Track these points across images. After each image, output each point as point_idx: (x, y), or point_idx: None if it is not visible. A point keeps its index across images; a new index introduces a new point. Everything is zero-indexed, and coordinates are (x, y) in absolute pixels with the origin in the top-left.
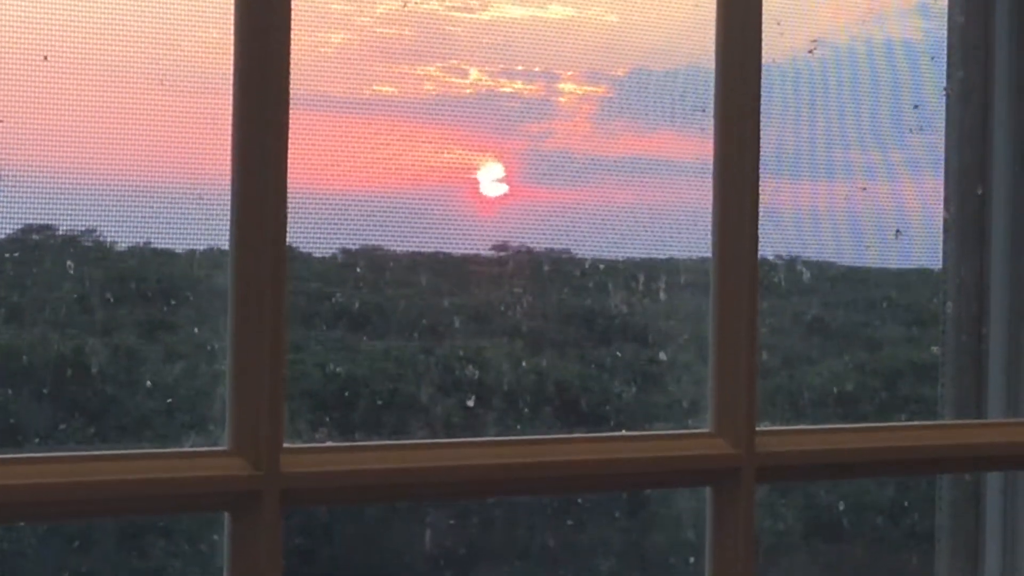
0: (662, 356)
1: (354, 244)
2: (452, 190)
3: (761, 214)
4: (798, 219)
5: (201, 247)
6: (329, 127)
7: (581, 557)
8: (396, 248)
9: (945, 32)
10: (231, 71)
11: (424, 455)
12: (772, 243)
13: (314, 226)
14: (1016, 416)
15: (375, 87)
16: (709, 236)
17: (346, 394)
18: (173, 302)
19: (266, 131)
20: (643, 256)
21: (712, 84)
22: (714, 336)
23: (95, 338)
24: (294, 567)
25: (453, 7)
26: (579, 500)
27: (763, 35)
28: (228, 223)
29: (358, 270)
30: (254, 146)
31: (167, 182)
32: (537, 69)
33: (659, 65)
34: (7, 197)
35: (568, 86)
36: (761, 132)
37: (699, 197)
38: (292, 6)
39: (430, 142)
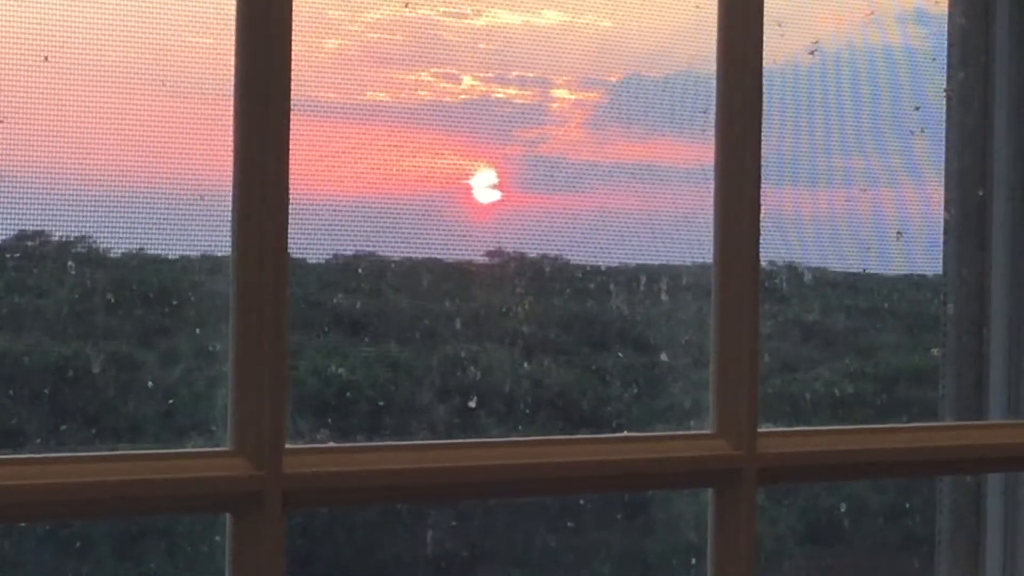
0: (659, 360)
1: (348, 250)
2: (446, 196)
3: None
4: (798, 224)
5: (199, 252)
6: (323, 133)
7: (581, 559)
8: (390, 254)
9: (945, 34)
10: (230, 76)
11: (426, 456)
12: (771, 248)
13: (308, 232)
14: (1017, 418)
15: (369, 93)
16: (704, 241)
17: (341, 400)
18: (175, 302)
19: (267, 137)
20: (637, 262)
21: (704, 90)
22: (716, 337)
23: (97, 340)
24: (296, 569)
25: (447, 13)
26: (580, 501)
27: (764, 39)
28: (226, 227)
29: (352, 276)
30: (255, 150)
31: (164, 187)
32: (531, 75)
33: (653, 71)
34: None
35: (562, 92)
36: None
37: (693, 202)
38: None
39: (424, 148)
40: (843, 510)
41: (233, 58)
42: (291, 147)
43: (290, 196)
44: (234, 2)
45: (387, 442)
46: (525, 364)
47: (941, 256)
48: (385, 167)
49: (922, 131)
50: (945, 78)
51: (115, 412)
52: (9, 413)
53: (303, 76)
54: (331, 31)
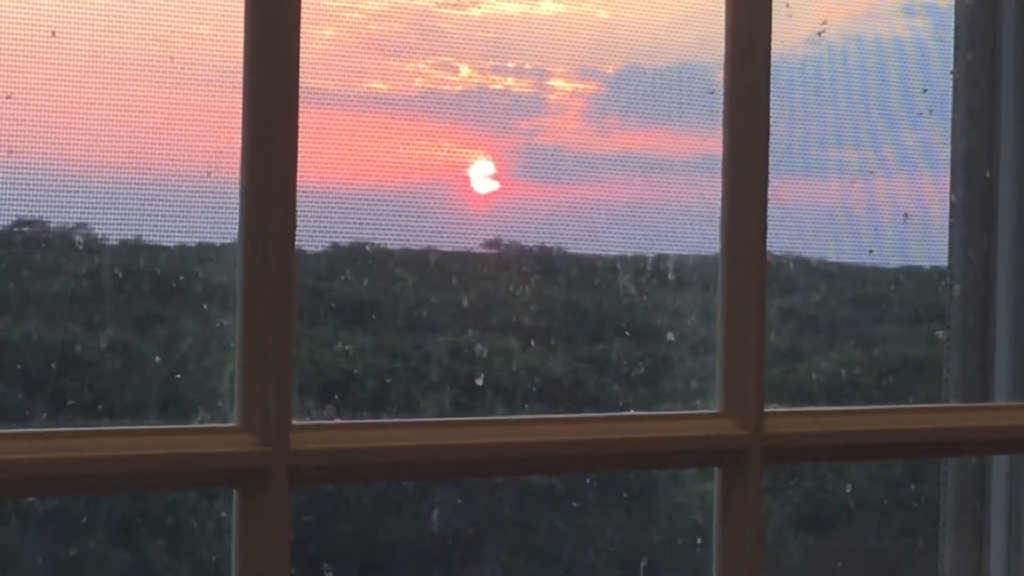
0: (660, 349)
1: (345, 239)
2: (443, 186)
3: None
4: (803, 213)
5: (200, 240)
6: (320, 123)
7: (587, 539)
8: (387, 244)
9: (952, 18)
10: (235, 65)
11: (433, 433)
12: (776, 239)
13: (306, 221)
14: (1022, 400)
15: (366, 83)
16: (702, 232)
17: (340, 388)
18: (182, 277)
19: (275, 125)
20: (634, 252)
21: (702, 80)
22: (723, 317)
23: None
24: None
25: (445, 3)
26: (587, 480)
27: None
28: (229, 215)
29: (350, 265)
30: (263, 138)
31: (166, 175)
32: (528, 66)
33: (650, 62)
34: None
35: (559, 83)
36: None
37: (692, 192)
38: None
39: (421, 138)
40: (848, 491)
41: (241, 47)
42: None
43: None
44: None
45: (394, 419)
46: (524, 353)
47: (947, 244)
48: (383, 157)
49: (931, 112)
50: (952, 60)
51: (120, 390)
52: (14, 392)
53: (302, 65)
54: (329, 20)
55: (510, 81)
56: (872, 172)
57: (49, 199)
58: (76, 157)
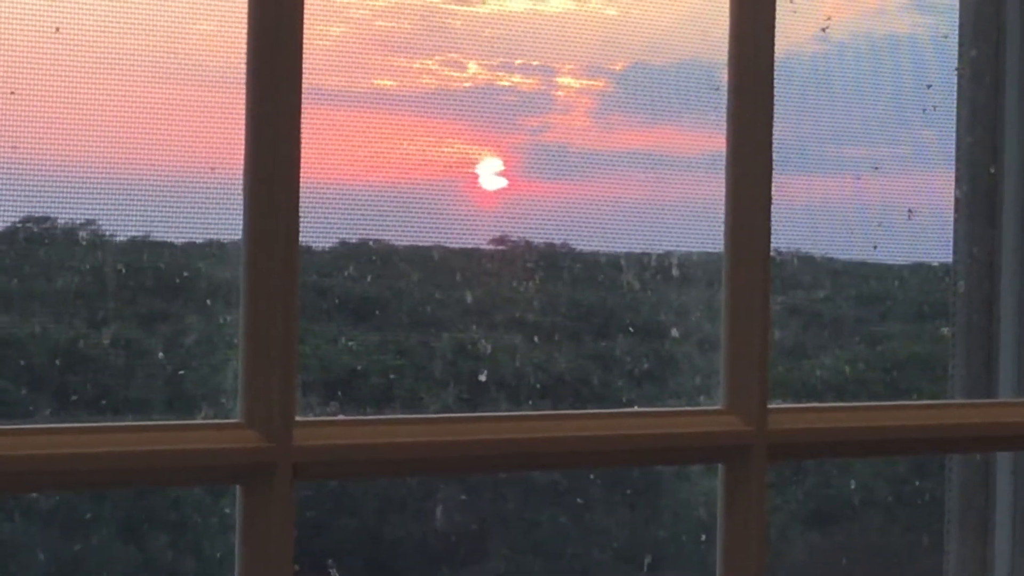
0: (666, 346)
1: (353, 237)
2: (451, 183)
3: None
4: (808, 210)
5: (207, 237)
6: (328, 120)
7: (593, 534)
8: (395, 241)
9: (956, 14)
10: (239, 64)
11: (437, 429)
12: (782, 235)
13: (313, 218)
14: None
15: (373, 80)
16: (711, 228)
17: (347, 386)
18: (186, 273)
19: (278, 123)
20: (642, 249)
21: (709, 77)
22: (727, 314)
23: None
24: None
25: (452, 1)
26: (591, 476)
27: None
28: (234, 212)
29: (358, 262)
30: (267, 136)
31: (171, 174)
32: (536, 63)
33: (657, 59)
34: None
35: (567, 80)
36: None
37: (699, 190)
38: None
39: (429, 136)
40: (853, 487)
41: (244, 45)
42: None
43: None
44: None
45: (397, 415)
46: (532, 350)
47: (951, 240)
48: (390, 154)
49: (934, 108)
50: (956, 56)
51: (125, 386)
52: (18, 388)
53: (309, 63)
54: (337, 17)
55: (517, 78)
56: (876, 168)
57: (55, 196)
58: (80, 153)
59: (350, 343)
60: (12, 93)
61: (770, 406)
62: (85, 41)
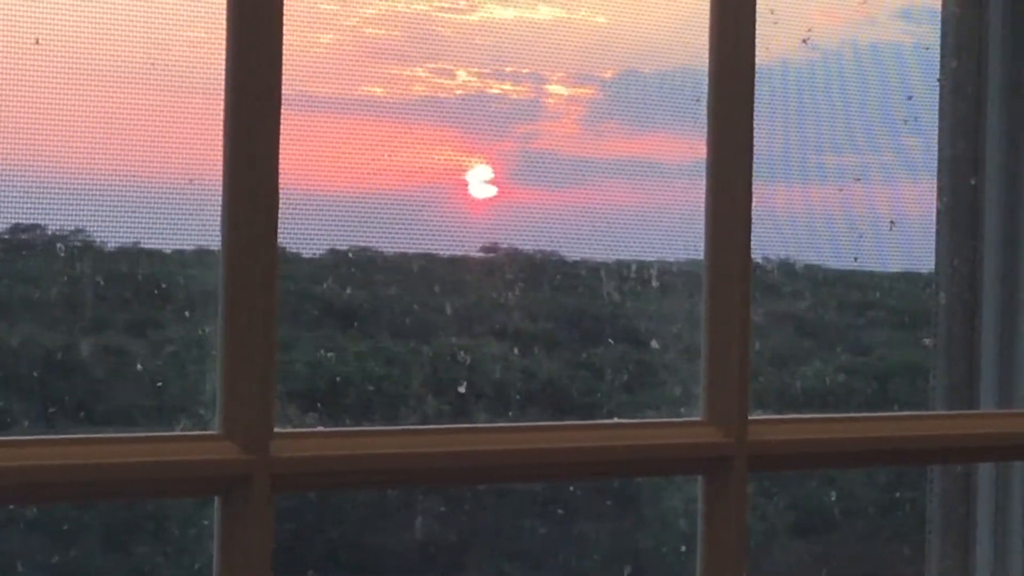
0: (650, 354)
1: (343, 244)
2: (441, 191)
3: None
4: (789, 220)
5: (193, 245)
6: (317, 128)
7: (572, 547)
8: (385, 249)
9: (939, 24)
10: (222, 70)
11: (415, 441)
12: (762, 245)
13: (303, 226)
14: (1008, 407)
15: (363, 88)
16: (698, 237)
17: (334, 393)
18: (164, 285)
19: (257, 130)
20: (632, 257)
21: (699, 85)
22: (707, 324)
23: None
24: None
25: (441, 8)
26: (571, 488)
27: (757, 30)
28: (217, 221)
29: (347, 270)
30: (246, 145)
31: (156, 181)
32: (526, 71)
33: (647, 67)
34: None
35: (556, 88)
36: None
37: (688, 198)
38: (283, 7)
39: (419, 143)
40: (834, 499)
41: (224, 53)
42: (286, 141)
43: (285, 190)
44: None
45: (376, 427)
46: (519, 358)
47: (933, 253)
48: (380, 162)
49: (915, 119)
50: (938, 67)
51: (105, 397)
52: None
53: (298, 70)
54: (326, 25)
55: (507, 86)
56: (859, 179)
57: (34, 204)
58: (59, 164)
59: (337, 352)
60: None
61: (751, 417)
62: (65, 52)
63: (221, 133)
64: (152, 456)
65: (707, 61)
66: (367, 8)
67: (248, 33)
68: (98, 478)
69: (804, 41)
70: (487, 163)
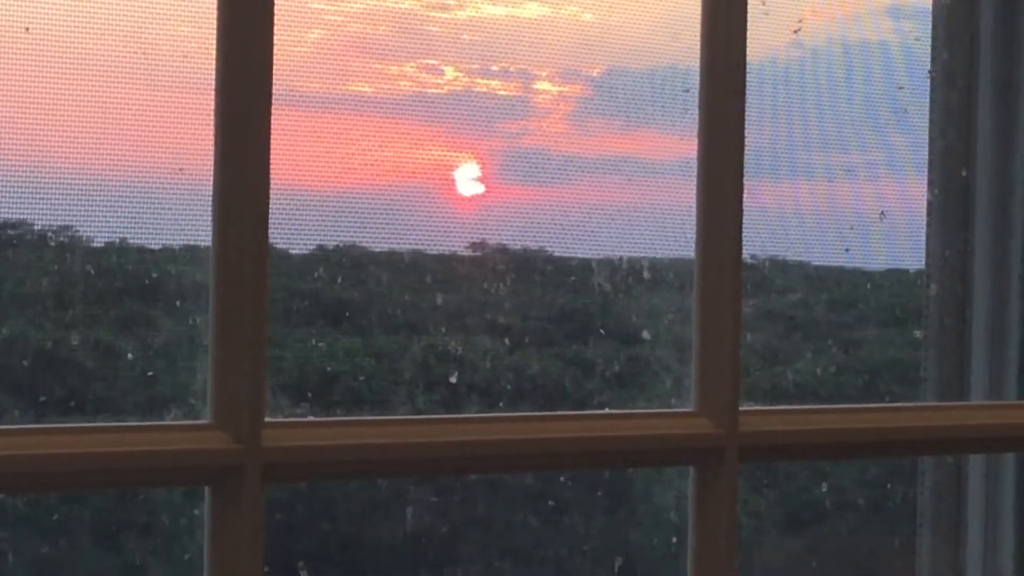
0: (641, 350)
1: (331, 242)
2: (428, 189)
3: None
4: (780, 217)
5: (181, 242)
6: (305, 125)
7: (562, 538)
8: (373, 246)
9: (929, 18)
10: (212, 68)
11: (407, 431)
12: (751, 242)
13: (291, 223)
14: (999, 398)
15: (351, 85)
16: (687, 235)
17: (323, 390)
18: (155, 275)
19: (248, 127)
20: (620, 254)
21: (687, 83)
22: (698, 316)
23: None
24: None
25: (430, 5)
26: (562, 479)
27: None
28: (207, 215)
29: (335, 267)
30: (236, 141)
31: (146, 177)
32: (513, 68)
33: (635, 64)
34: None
35: (544, 85)
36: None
37: (676, 196)
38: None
39: (406, 140)
40: (824, 490)
41: (214, 51)
42: (274, 138)
43: (273, 187)
44: None
45: (367, 416)
46: (507, 355)
47: (924, 246)
48: (368, 159)
49: (905, 111)
50: (929, 60)
51: (95, 388)
52: None
53: (285, 67)
54: (314, 22)
55: (495, 83)
56: (849, 172)
57: (25, 199)
58: (49, 155)
59: (327, 347)
60: None
61: (741, 408)
62: (55, 42)
63: (211, 129)
64: (142, 445)
65: (696, 58)
66: (354, 4)
67: (239, 29)
68: (88, 468)
69: (795, 32)
70: (475, 160)
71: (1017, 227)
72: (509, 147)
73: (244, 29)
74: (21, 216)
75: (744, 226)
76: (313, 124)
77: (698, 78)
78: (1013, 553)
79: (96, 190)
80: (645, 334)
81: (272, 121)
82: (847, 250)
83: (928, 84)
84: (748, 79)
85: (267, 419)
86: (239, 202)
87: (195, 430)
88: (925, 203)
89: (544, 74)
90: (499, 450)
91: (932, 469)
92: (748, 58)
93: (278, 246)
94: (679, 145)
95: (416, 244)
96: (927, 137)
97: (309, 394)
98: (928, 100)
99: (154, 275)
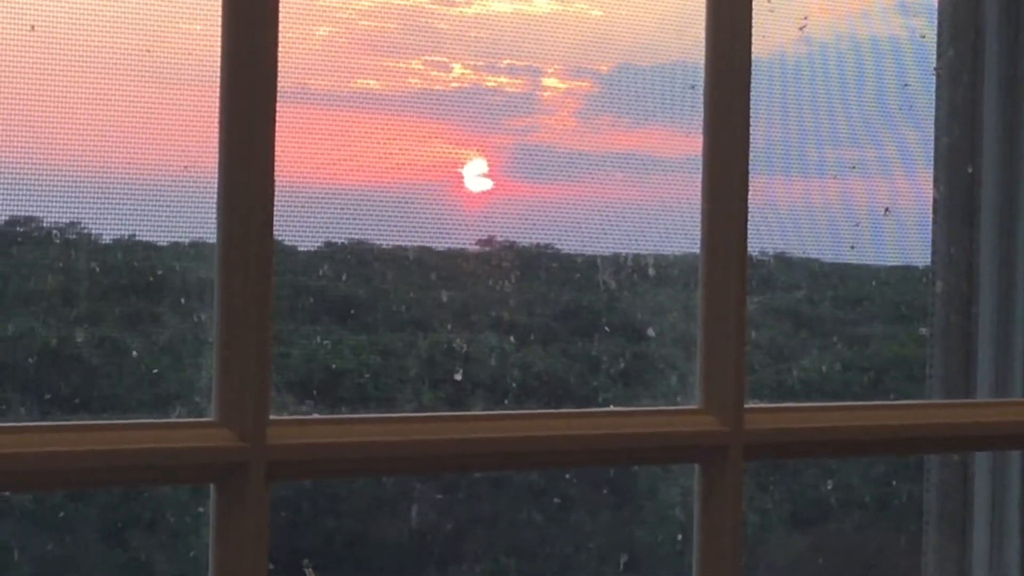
0: (647, 347)
1: (339, 238)
2: (436, 185)
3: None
4: (785, 213)
5: (189, 239)
6: (313, 121)
7: (567, 535)
8: (381, 242)
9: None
10: (218, 64)
11: (412, 428)
12: (758, 238)
13: (298, 219)
14: (1005, 395)
15: (359, 81)
16: (693, 230)
17: (330, 387)
18: (160, 271)
19: (253, 123)
20: (627, 251)
21: (695, 79)
22: (703, 313)
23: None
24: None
25: (438, 1)
26: (567, 476)
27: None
28: (213, 212)
29: (343, 263)
30: (241, 137)
31: (152, 174)
32: (521, 64)
33: (643, 61)
34: None
35: (552, 81)
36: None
37: (683, 192)
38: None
39: (414, 137)
40: (830, 488)
41: (220, 46)
42: (281, 135)
43: (281, 183)
44: None
45: (372, 414)
46: (515, 351)
47: (930, 242)
48: (375, 155)
49: (910, 107)
50: (934, 57)
51: (101, 385)
52: None
53: (293, 63)
54: (322, 18)
55: (503, 80)
56: (855, 168)
57: (32, 196)
58: (55, 152)
59: (334, 344)
60: None
61: (747, 406)
62: (61, 40)
63: (217, 125)
64: (148, 443)
65: (702, 54)
66: (362, 1)
67: (244, 25)
68: (93, 465)
69: (800, 29)
70: (483, 156)
71: (1023, 224)
72: (517, 143)
73: (250, 26)
74: (28, 213)
75: (749, 222)
76: (321, 120)
77: (702, 75)
78: (1019, 550)
79: (103, 187)
80: (650, 331)
81: (280, 117)
82: (852, 247)
83: (934, 81)
84: (754, 75)
85: (272, 416)
86: (244, 199)
87: (200, 427)
88: (931, 200)
89: (552, 70)
90: (504, 447)
91: (938, 466)
92: (754, 54)
93: (285, 243)
94: (685, 141)
95: (423, 240)
96: (933, 134)
97: (314, 392)
98: (934, 97)
99: (159, 272)
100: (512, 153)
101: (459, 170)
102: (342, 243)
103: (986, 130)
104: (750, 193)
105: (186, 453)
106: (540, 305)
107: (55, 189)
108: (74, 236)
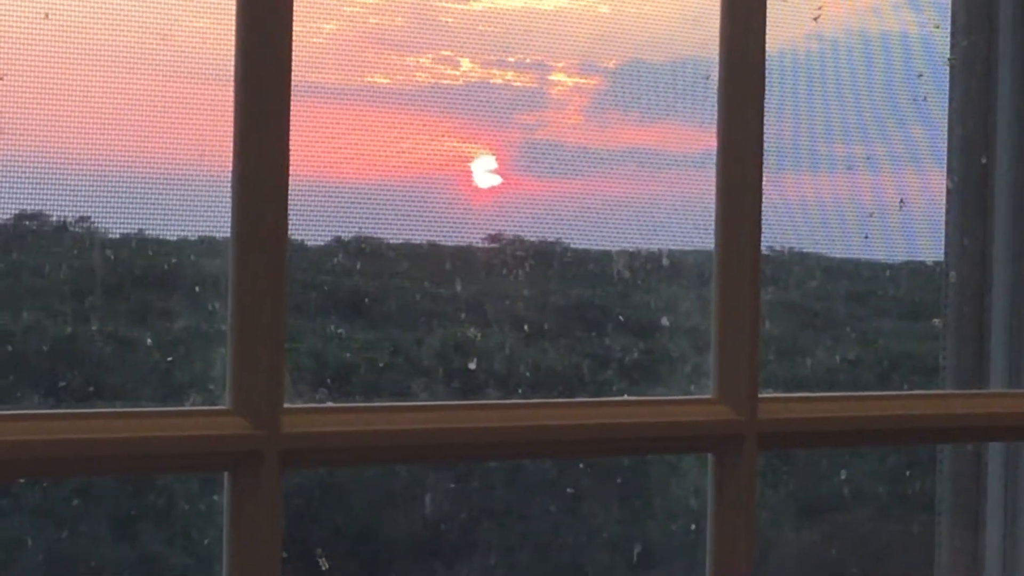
0: (659, 342)
1: (348, 233)
2: (445, 180)
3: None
4: (799, 207)
5: (199, 233)
6: (321, 117)
7: (580, 524)
8: (389, 238)
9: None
10: (231, 59)
11: (426, 417)
12: (774, 233)
13: (307, 215)
14: (1018, 387)
15: (367, 77)
16: (703, 226)
17: (340, 383)
18: (174, 260)
19: (267, 119)
20: (636, 247)
21: (704, 75)
22: (717, 305)
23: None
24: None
25: None
26: (580, 465)
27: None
28: (226, 208)
29: (351, 259)
30: (255, 132)
31: (164, 169)
32: (530, 60)
33: (652, 57)
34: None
35: (560, 77)
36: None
37: (693, 187)
38: None
39: (422, 132)
40: (843, 478)
41: (233, 41)
42: (290, 130)
43: (290, 179)
44: None
45: (387, 403)
46: (524, 346)
47: (943, 236)
48: (384, 151)
49: (924, 100)
50: (948, 48)
51: (113, 378)
52: (5, 377)
53: (302, 59)
54: (330, 14)
55: (511, 75)
56: (869, 160)
57: (44, 187)
58: (67, 142)
59: (344, 339)
60: (0, 79)
61: (761, 396)
62: (74, 30)
63: (230, 121)
64: (161, 431)
65: (713, 50)
66: None
67: (257, 20)
68: (106, 453)
69: (814, 20)
70: (491, 152)
71: None
72: (525, 139)
73: (263, 20)
74: (39, 207)
75: (763, 217)
76: (329, 116)
77: (714, 70)
78: None
79: (114, 181)
80: (664, 321)
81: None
82: (866, 236)
83: (947, 72)
84: (767, 69)
85: (286, 405)
86: (258, 191)
87: (214, 415)
88: (944, 191)
89: (560, 66)
90: (517, 437)
91: (951, 457)
92: (767, 48)
93: (294, 238)
94: (697, 137)
95: (433, 236)
96: (946, 125)
97: (325, 390)
98: (947, 88)
99: (173, 260)
100: (520, 149)
101: (468, 165)
102: (351, 239)
103: (1000, 121)
104: (763, 187)
105: (200, 441)
106: (550, 301)
107: (66, 183)
108: (84, 230)
